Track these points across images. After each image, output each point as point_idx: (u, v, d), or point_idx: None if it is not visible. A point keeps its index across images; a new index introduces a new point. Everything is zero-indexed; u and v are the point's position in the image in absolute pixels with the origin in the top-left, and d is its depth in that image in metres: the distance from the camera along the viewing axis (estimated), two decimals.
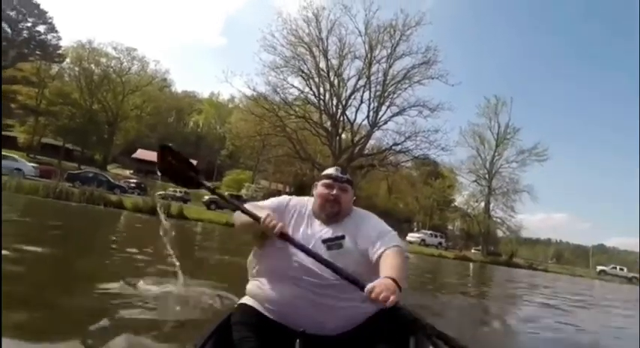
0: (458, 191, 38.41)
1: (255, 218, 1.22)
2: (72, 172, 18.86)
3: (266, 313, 1.26)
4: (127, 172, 41.00)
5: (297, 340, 1.15)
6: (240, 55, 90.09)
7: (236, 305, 1.34)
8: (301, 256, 1.23)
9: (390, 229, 1.38)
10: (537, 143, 31.87)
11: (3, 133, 35.02)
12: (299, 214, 1.39)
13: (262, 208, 1.33)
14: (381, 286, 1.01)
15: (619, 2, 76.50)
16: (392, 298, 0.97)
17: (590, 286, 18.63)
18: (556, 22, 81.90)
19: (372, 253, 1.26)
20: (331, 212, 1.35)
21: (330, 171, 1.43)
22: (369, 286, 1.03)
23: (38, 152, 34.96)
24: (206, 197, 22.63)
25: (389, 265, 1.18)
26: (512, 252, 34.81)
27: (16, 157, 18.39)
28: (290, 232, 1.28)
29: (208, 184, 1.51)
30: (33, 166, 18.16)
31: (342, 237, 1.31)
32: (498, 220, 33.17)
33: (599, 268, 36.94)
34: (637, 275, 34.90)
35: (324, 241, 1.30)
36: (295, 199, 1.46)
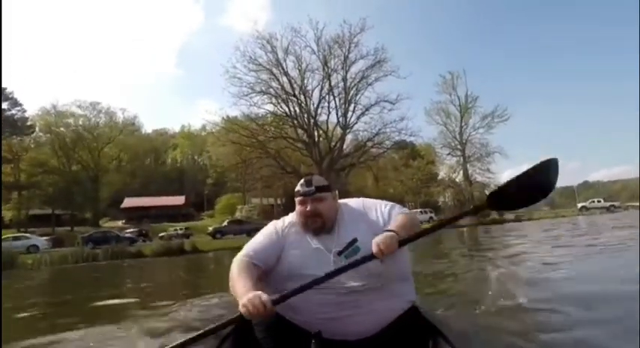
0: (441, 164, 41.58)
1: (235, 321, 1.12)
2: (83, 236, 20.46)
3: (285, 316, 1.26)
4: (120, 223, 42.11)
5: (313, 341, 1.13)
6: (199, 82, 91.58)
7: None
8: (320, 266, 1.22)
9: (383, 202, 1.42)
10: (497, 106, 35.11)
11: None
12: (296, 233, 1.36)
13: (265, 235, 1.37)
14: (380, 240, 1.13)
15: None
16: (392, 244, 1.12)
17: (557, 224, 21.28)
18: None
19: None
20: (315, 227, 1.32)
21: (298, 187, 1.37)
22: (373, 248, 1.12)
23: (27, 225, 35.81)
24: (210, 228, 24.49)
25: (394, 222, 1.26)
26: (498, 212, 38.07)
27: (28, 235, 19.87)
28: (294, 253, 1.30)
29: None
30: (45, 240, 19.69)
31: (355, 240, 1.28)
32: (478, 184, 36.20)
33: (580, 205, 40.50)
34: (615, 203, 38.58)
35: (340, 253, 1.27)
36: (280, 223, 1.42)
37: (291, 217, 1.42)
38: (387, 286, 1.26)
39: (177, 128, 64.87)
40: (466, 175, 35.76)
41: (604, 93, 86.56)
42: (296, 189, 1.37)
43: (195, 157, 60.46)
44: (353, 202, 1.45)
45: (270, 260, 1.31)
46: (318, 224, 1.32)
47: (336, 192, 1.41)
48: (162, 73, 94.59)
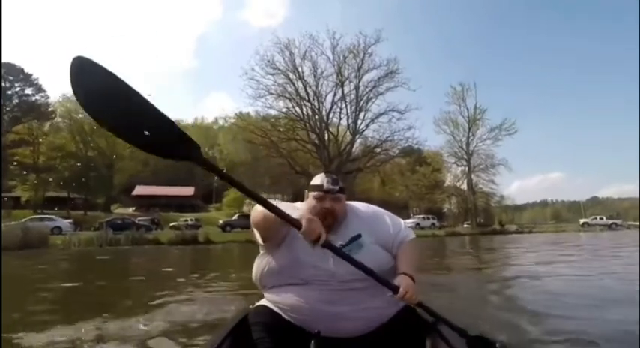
0: (448, 172, 42.67)
1: (294, 224, 1.09)
2: (105, 221, 22.05)
3: (283, 315, 1.27)
4: (130, 210, 43.93)
5: (312, 341, 1.15)
6: (214, 75, 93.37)
7: (252, 306, 1.37)
8: (320, 259, 1.25)
9: (398, 219, 1.45)
10: (505, 119, 36.08)
11: (6, 194, 37.72)
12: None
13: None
14: (406, 287, 1.16)
15: None
16: (415, 297, 1.16)
17: (556, 239, 22.31)
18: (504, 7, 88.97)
19: (392, 245, 1.35)
20: (326, 225, 1.26)
21: (321, 182, 1.34)
22: (402, 288, 1.16)
23: (43, 207, 37.68)
24: (220, 221, 25.94)
25: (406, 260, 1.31)
26: (500, 220, 39.08)
27: (52, 217, 21.51)
28: (293, 241, 1.28)
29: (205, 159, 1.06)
30: (69, 223, 21.31)
31: (359, 236, 1.31)
32: (482, 194, 37.26)
33: (582, 221, 41.25)
34: (616, 221, 39.27)
35: (343, 247, 1.27)
36: (297, 210, 1.25)
37: (298, 211, 1.32)
38: (389, 273, 1.29)
39: (190, 120, 66.73)
40: (470, 185, 36.79)
41: (616, 110, 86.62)
42: (317, 183, 1.35)
43: (206, 150, 62.16)
44: (362, 206, 1.46)
45: (280, 230, 1.26)
46: (329, 222, 1.30)
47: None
48: (179, 64, 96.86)
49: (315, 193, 1.34)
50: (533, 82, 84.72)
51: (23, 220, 18.62)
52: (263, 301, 1.35)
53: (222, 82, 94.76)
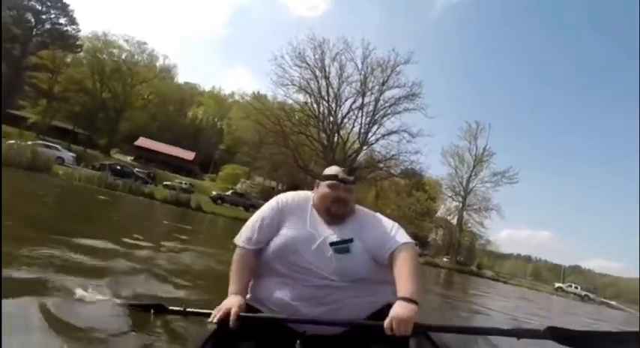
0: (442, 203, 43.64)
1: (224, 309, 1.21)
2: (104, 163, 22.85)
3: (267, 315, 1.28)
4: (128, 159, 44.68)
5: (298, 341, 1.17)
6: (242, 49, 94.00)
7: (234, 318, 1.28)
8: (306, 258, 1.29)
9: (396, 224, 1.41)
10: (510, 167, 37.14)
11: (15, 112, 38.53)
12: (301, 210, 1.40)
13: (267, 213, 1.39)
14: (397, 319, 1.08)
15: (594, 38, 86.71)
16: (409, 328, 1.08)
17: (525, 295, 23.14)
18: (538, 60, 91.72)
19: (384, 253, 1.30)
20: (336, 214, 1.35)
21: (336, 171, 1.41)
22: (386, 323, 1.10)
23: (47, 133, 38.48)
24: (214, 193, 26.83)
25: (403, 276, 1.21)
26: (479, 263, 40.23)
27: (58, 147, 22.34)
28: (291, 229, 1.34)
29: None
30: (72, 156, 22.15)
31: (350, 240, 1.31)
32: (469, 233, 38.27)
33: (557, 285, 42.34)
34: (590, 294, 40.27)
35: (332, 244, 1.30)
36: (293, 195, 1.46)
37: (301, 194, 1.46)
38: (366, 286, 1.30)
39: (207, 87, 67.39)
40: (460, 222, 37.79)
41: (619, 185, 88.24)
42: (331, 173, 1.41)
43: (216, 120, 62.92)
44: (367, 212, 1.47)
45: (270, 236, 1.36)
46: (340, 212, 1.35)
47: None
48: (212, 29, 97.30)
49: (329, 182, 1.40)
50: (547, 137, 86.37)
51: (30, 142, 19.43)
52: (247, 301, 1.33)
53: (248, 58, 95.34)
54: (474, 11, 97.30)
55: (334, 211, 1.37)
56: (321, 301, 1.27)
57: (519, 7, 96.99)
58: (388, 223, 1.42)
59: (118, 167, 22.71)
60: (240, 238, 1.41)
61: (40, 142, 21.84)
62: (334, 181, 1.39)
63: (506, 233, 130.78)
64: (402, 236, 1.35)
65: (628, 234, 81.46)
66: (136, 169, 29.07)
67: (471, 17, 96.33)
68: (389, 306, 1.18)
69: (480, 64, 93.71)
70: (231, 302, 1.24)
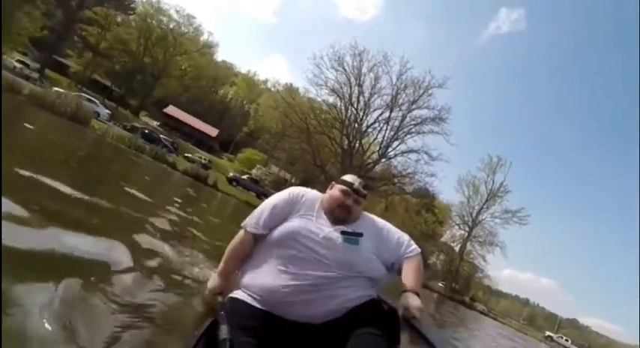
0: (449, 229, 43.79)
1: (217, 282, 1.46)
2: (135, 125, 24.20)
3: (257, 305, 1.32)
4: (154, 123, 46.40)
5: (286, 328, 1.24)
6: (284, 38, 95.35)
7: (221, 299, 1.39)
8: (310, 247, 1.35)
9: (405, 235, 1.55)
10: (522, 208, 37.12)
11: (61, 59, 40.71)
12: (310, 206, 1.49)
13: (278, 201, 1.49)
14: (416, 306, 1.30)
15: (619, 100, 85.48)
16: (423, 313, 1.29)
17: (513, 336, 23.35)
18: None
19: (397, 257, 1.48)
20: (339, 217, 1.44)
21: (352, 180, 1.53)
22: (402, 308, 1.31)
23: (84, 84, 40.51)
24: (230, 174, 27.96)
25: (414, 278, 1.43)
26: (473, 295, 40.33)
27: (97, 101, 23.80)
28: (299, 219, 1.43)
29: None
30: (107, 112, 23.59)
31: (361, 234, 1.41)
32: (470, 264, 38.44)
33: (547, 333, 42.01)
34: None
35: (343, 233, 1.39)
36: (305, 190, 1.56)
37: (316, 194, 1.57)
38: (359, 280, 1.37)
39: (244, 69, 68.91)
40: (462, 251, 37.99)
41: (628, 252, 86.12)
42: (349, 180, 1.54)
43: (245, 102, 64.39)
44: (377, 219, 1.58)
45: (277, 223, 1.44)
46: (343, 217, 1.45)
47: None
48: (258, 15, 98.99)
49: (344, 188, 1.50)
50: (564, 185, 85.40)
51: (75, 93, 20.84)
52: (235, 293, 1.39)
53: (288, 49, 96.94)
54: (517, 47, 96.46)
55: (337, 215, 1.46)
56: (317, 289, 1.30)
57: (563, 55, 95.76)
58: (399, 231, 1.56)
59: (147, 131, 24.00)
60: (248, 222, 1.50)
61: (83, 94, 23.25)
62: (348, 189, 1.50)
63: (508, 273, 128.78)
64: (415, 245, 1.54)
65: (632, 298, 79.28)
66: (163, 137, 30.41)
67: (514, 52, 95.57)
68: (373, 301, 1.32)
69: (511, 101, 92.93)
70: (217, 283, 1.47)
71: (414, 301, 1.32)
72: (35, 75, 25.44)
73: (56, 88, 20.36)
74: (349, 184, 1.52)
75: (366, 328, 1.19)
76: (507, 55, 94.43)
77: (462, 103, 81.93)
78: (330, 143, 27.75)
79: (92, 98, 23.64)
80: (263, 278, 1.35)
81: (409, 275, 1.44)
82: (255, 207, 1.59)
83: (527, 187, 73.93)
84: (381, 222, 1.57)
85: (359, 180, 1.55)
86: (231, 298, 1.38)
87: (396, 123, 27.47)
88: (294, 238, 1.37)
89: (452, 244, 40.75)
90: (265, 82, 63.68)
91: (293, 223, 1.42)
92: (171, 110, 49.46)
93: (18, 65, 25.53)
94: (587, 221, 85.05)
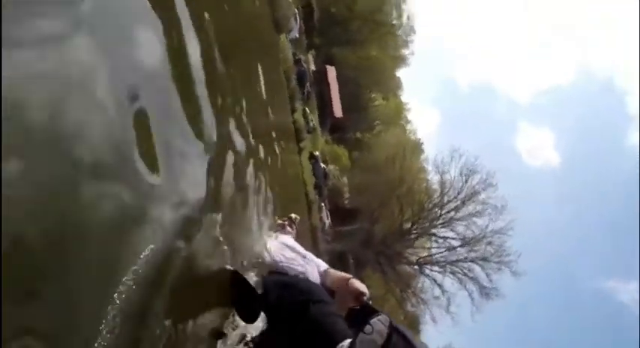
0: None
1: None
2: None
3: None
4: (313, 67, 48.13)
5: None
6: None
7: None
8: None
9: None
10: None
11: None
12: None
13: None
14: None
15: None
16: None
17: None
18: None
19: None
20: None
21: (364, 290, 1.80)
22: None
23: None
24: (317, 152, 28.45)
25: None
26: None
27: None
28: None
29: None
30: None
31: None
32: None
33: None
34: None
35: None
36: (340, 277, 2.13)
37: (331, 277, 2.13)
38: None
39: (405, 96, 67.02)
40: None
41: None
42: (363, 290, 1.81)
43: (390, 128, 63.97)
44: None
45: None
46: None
47: None
48: None
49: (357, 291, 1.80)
50: None
51: None
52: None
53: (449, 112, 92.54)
54: None
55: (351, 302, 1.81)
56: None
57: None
58: None
59: (302, 69, 25.35)
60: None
61: None
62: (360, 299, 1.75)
63: None
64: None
65: None
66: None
67: None
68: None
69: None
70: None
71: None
72: None
73: None
74: (362, 294, 1.77)
75: None
76: None
77: None
78: (397, 213, 27.35)
79: None
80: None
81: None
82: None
83: None
84: None
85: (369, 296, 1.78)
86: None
87: (453, 257, 25.77)
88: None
89: None
90: (406, 116, 62.19)
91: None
92: (331, 70, 49.66)
93: None
94: None
